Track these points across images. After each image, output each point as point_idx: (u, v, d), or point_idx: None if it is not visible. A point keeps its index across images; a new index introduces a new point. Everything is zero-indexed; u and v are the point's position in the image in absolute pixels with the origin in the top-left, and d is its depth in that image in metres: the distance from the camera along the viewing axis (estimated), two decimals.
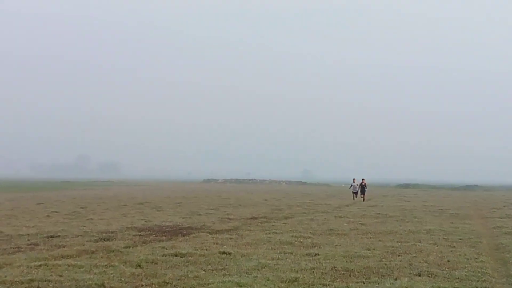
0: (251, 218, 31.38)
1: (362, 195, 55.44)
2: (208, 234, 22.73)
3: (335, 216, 33.42)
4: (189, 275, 13.37)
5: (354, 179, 58.99)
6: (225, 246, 18.46)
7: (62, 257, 16.01)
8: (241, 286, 12.06)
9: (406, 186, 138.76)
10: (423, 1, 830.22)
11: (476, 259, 16.56)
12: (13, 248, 18.24)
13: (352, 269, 14.53)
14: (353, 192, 57.49)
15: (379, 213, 36.10)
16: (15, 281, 12.40)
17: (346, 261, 15.79)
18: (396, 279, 13.16)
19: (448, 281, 13.15)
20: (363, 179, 57.24)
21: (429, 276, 13.70)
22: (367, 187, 56.95)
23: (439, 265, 15.32)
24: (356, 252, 17.53)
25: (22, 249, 17.90)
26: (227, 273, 13.65)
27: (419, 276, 13.74)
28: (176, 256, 16.27)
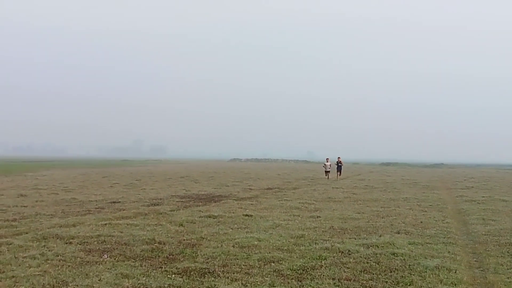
0: (267, 189, 31.46)
1: (338, 172, 46.43)
2: (234, 201, 22.81)
3: (332, 187, 33.45)
4: (220, 232, 13.42)
5: (327, 158, 47.17)
6: (247, 210, 18.51)
7: (122, 218, 16.12)
8: (260, 240, 12.08)
9: (388, 164, 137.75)
10: None
11: (443, 220, 16.53)
12: (85, 211, 18.39)
13: (346, 228, 14.53)
14: (325, 171, 46.11)
15: (366, 185, 36.08)
16: (87, 236, 12.50)
17: (341, 222, 15.79)
18: (380, 236, 13.14)
19: (421, 237, 13.11)
20: (339, 158, 47.72)
21: (406, 234, 13.67)
22: (342, 165, 48.02)
23: (414, 225, 15.28)
24: (349, 215, 17.54)
25: (92, 212, 18.04)
26: (249, 231, 13.68)
27: (398, 233, 13.71)
28: (209, 217, 16.33)
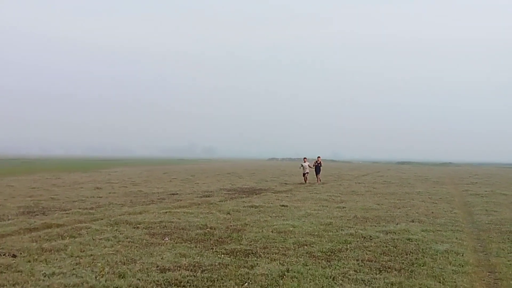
0: (300, 183, 31.32)
1: (317, 176, 32.49)
2: (272, 193, 22.79)
3: (355, 183, 33.13)
4: (261, 220, 13.42)
5: (305, 158, 32.76)
6: (283, 201, 18.46)
7: (179, 207, 16.27)
8: (294, 227, 12.04)
9: (403, 163, 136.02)
10: None
11: (451, 211, 16.19)
12: (149, 201, 18.62)
13: (368, 217, 14.37)
14: (303, 174, 32.12)
15: (385, 181, 35.63)
16: (151, 221, 12.65)
17: (364, 212, 15.62)
18: (397, 224, 12.95)
19: (432, 225, 12.87)
20: (318, 157, 33.32)
21: (419, 222, 13.43)
22: (322, 165, 33.44)
23: (426, 215, 15.02)
24: (370, 206, 17.34)
25: (154, 202, 18.25)
26: (285, 219, 13.65)
27: (413, 222, 13.48)
28: (252, 207, 16.35)
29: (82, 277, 7.02)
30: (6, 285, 6.53)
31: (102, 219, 13.17)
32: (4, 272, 7.24)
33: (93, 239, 10.08)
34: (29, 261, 8.03)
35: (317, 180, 32.14)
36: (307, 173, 31.77)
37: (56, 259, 8.23)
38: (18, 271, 7.32)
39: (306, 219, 13.69)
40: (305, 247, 9.70)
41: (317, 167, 32.48)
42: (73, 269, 7.53)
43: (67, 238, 10.28)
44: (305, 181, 31.49)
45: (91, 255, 8.59)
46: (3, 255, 8.49)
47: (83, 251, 8.94)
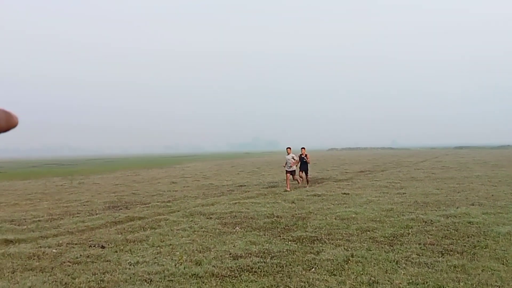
0: (360, 172, 30.82)
1: (301, 173, 20.72)
2: (333, 182, 22.56)
3: (414, 169, 32.20)
4: (324, 207, 13.30)
5: (288, 148, 20.28)
6: (345, 189, 18.22)
7: (247, 198, 16.40)
8: (357, 213, 11.85)
9: (461, 147, 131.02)
10: None
11: (511, 193, 15.45)
12: (219, 193, 18.88)
13: (428, 202, 13.92)
14: (286, 172, 19.82)
15: (443, 166, 34.45)
16: (222, 212, 12.82)
17: (424, 197, 15.15)
18: (457, 208, 12.47)
19: (493, 208, 12.30)
20: (302, 149, 20.73)
21: (479, 205, 12.88)
22: (310, 162, 20.94)
23: (486, 198, 14.38)
24: (430, 191, 16.80)
25: (225, 194, 18.49)
26: (347, 206, 13.46)
27: (473, 205, 12.95)
28: (315, 196, 16.24)
29: (163, 265, 7.20)
30: (97, 274, 6.80)
31: (178, 211, 13.48)
32: (95, 262, 7.55)
33: (171, 230, 10.33)
34: (116, 252, 8.33)
35: (301, 181, 20.89)
36: (293, 171, 19.55)
37: (139, 249, 8.50)
38: (107, 261, 7.61)
39: (367, 205, 13.45)
40: (368, 232, 9.52)
41: (303, 162, 20.50)
42: (155, 258, 7.74)
43: (148, 229, 10.60)
44: (288, 184, 19.47)
45: (170, 244, 8.80)
46: (93, 246, 8.86)
47: (163, 241, 9.18)
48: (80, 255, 8.00)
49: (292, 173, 19.61)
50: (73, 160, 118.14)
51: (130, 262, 7.47)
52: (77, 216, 13.23)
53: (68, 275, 6.75)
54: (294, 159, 19.65)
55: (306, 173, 20.52)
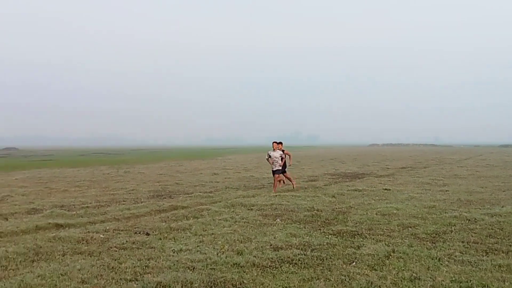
0: (402, 168, 30.27)
1: (279, 176, 16.67)
2: (374, 177, 22.23)
3: (457, 166, 31.38)
4: (365, 202, 13.13)
5: (274, 142, 17.16)
6: (386, 185, 17.91)
7: (288, 191, 16.37)
8: (398, 209, 11.64)
9: (506, 146, 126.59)
10: None
11: None
12: (260, 185, 18.94)
13: (472, 200, 13.53)
14: (273, 172, 16.94)
15: (488, 164, 33.43)
16: (263, 204, 12.83)
17: (467, 195, 14.73)
18: (502, 207, 12.05)
19: None
20: (279, 144, 17.03)
21: None
22: (290, 157, 17.55)
23: None
24: (473, 189, 16.32)
25: (265, 186, 18.53)
26: (388, 202, 13.23)
27: None
28: (355, 191, 16.05)
29: (205, 253, 7.28)
30: (142, 259, 6.94)
31: (220, 202, 13.59)
32: (140, 248, 7.71)
33: (213, 220, 10.43)
34: (160, 239, 8.48)
35: (282, 183, 17.45)
36: (278, 170, 16.62)
37: (183, 237, 8.62)
38: (152, 248, 7.76)
39: (409, 202, 13.19)
40: (410, 229, 9.34)
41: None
42: (197, 246, 7.84)
43: (191, 218, 10.74)
44: (275, 186, 16.76)
45: (212, 234, 8.89)
46: (139, 233, 9.05)
47: (205, 230, 9.28)
48: (126, 241, 8.19)
49: (278, 172, 16.61)
50: (119, 150, 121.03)
51: (173, 249, 7.59)
52: (123, 204, 13.55)
53: (115, 260, 6.92)
54: (282, 160, 16.67)
55: (283, 171, 16.97)
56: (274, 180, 16.91)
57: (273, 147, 17.02)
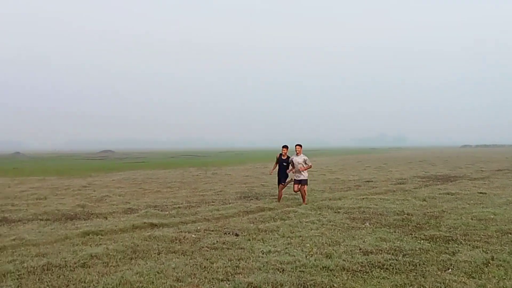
0: (497, 170, 28.45)
1: (297, 185, 13.73)
2: (468, 180, 21.07)
3: None
4: (458, 207, 12.46)
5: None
6: (481, 188, 16.89)
7: (375, 194, 15.97)
8: (496, 214, 10.91)
9: None
10: None
11: None
12: (346, 188, 18.61)
13: None
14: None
15: None
16: (350, 207, 12.55)
17: None
18: None
19: None
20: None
21: None
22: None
23: None
24: None
25: (351, 188, 18.18)
26: (484, 206, 12.47)
27: None
28: (448, 194, 15.29)
29: (294, 255, 7.26)
30: (232, 260, 7.05)
31: (306, 204, 13.51)
32: (230, 249, 7.84)
33: (300, 222, 10.39)
34: (249, 240, 8.58)
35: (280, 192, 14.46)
36: (290, 181, 14.26)
37: (271, 239, 8.66)
38: (241, 248, 7.86)
39: (507, 206, 12.33)
40: (509, 235, 8.71)
41: (283, 169, 14.10)
42: (286, 248, 7.83)
43: (278, 220, 10.77)
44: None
45: (300, 236, 8.85)
46: (228, 233, 9.21)
47: (293, 232, 9.26)
48: (217, 241, 8.37)
49: (299, 182, 13.80)
50: (207, 152, 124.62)
51: (262, 250, 7.64)
52: (212, 205, 13.88)
53: (207, 260, 7.08)
54: (301, 166, 13.71)
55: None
56: (302, 194, 13.92)
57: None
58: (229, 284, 5.89)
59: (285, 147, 14.07)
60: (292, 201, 14.27)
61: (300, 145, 13.96)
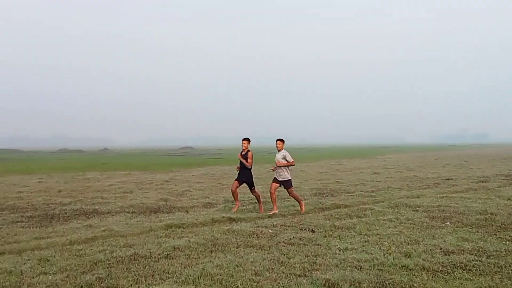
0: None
1: (252, 190, 11.92)
2: None
3: None
4: None
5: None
6: None
7: (455, 192, 15.28)
8: None
9: None
10: None
11: None
12: (424, 185, 17.96)
13: None
14: (274, 180, 11.68)
15: None
16: (429, 205, 12.10)
17: None
18: None
19: None
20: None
21: None
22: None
23: None
24: None
25: (430, 186, 17.52)
26: None
27: None
28: None
29: (371, 253, 7.12)
30: (309, 256, 7.04)
31: (383, 202, 13.21)
32: (307, 245, 7.82)
33: (377, 220, 10.17)
34: (325, 237, 8.52)
35: (259, 203, 12.29)
36: (281, 181, 11.69)
37: (347, 236, 8.55)
38: (318, 245, 7.82)
39: None
40: None
41: (243, 169, 12.00)
42: (363, 246, 7.70)
43: (354, 217, 10.61)
44: (275, 203, 11.75)
45: (377, 234, 8.66)
46: (304, 229, 9.20)
47: (370, 230, 9.08)
48: (293, 237, 8.38)
49: (278, 182, 11.69)
50: None
51: (339, 247, 7.56)
52: (288, 200, 13.90)
53: (284, 255, 7.12)
54: (286, 160, 11.58)
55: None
56: (298, 201, 11.98)
57: (277, 146, 11.71)
58: (306, 280, 5.89)
59: (245, 140, 11.74)
60: (368, 199, 14.00)
61: (281, 140, 11.74)
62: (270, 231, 9.06)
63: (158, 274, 6.20)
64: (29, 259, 7.15)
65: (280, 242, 8.01)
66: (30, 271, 6.50)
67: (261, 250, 7.50)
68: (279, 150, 11.67)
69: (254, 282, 5.79)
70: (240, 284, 5.72)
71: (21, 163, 48.62)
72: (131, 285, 5.78)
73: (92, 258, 7.10)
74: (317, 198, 14.39)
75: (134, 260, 6.96)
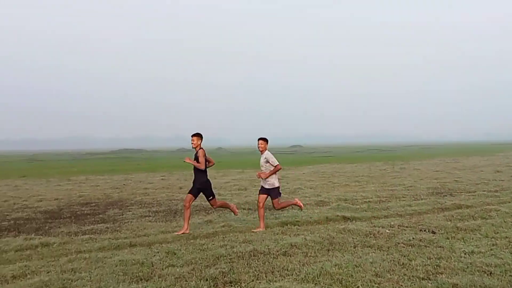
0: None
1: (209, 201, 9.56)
2: None
3: None
4: None
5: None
6: None
7: None
8: None
9: None
10: None
11: None
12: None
13: None
14: (262, 192, 9.55)
15: None
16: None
17: None
18: None
19: None
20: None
21: None
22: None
23: None
24: None
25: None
26: None
27: None
28: None
29: (501, 258, 6.55)
30: (432, 258, 6.65)
31: (509, 202, 12.19)
32: (428, 247, 7.41)
33: (505, 222, 9.37)
34: (447, 238, 8.01)
35: (228, 207, 10.14)
36: (267, 190, 9.61)
37: (472, 238, 7.96)
38: (440, 247, 7.38)
39: None
40: None
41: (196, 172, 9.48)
42: (491, 249, 7.11)
43: (478, 219, 9.88)
44: (262, 220, 9.49)
45: (506, 237, 7.96)
46: (424, 230, 8.74)
47: (497, 232, 8.39)
48: (413, 238, 7.99)
49: (266, 192, 9.63)
50: (392, 147, 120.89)
51: (464, 250, 7.06)
52: (403, 200, 13.36)
53: (404, 256, 6.81)
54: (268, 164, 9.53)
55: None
56: (258, 207, 9.64)
57: (259, 148, 9.63)
58: (431, 283, 5.56)
59: (195, 135, 9.38)
60: (492, 199, 12.99)
61: (264, 139, 9.50)
62: (387, 231, 8.73)
63: (278, 271, 6.24)
64: (158, 252, 7.60)
65: (399, 243, 7.68)
66: (160, 263, 6.90)
67: (380, 250, 7.25)
68: (261, 152, 9.51)
69: (375, 284, 5.60)
70: (361, 285, 5.56)
71: (145, 161, 52.21)
72: (252, 281, 5.87)
73: (214, 252, 7.36)
74: (435, 198, 13.63)
75: (254, 256, 7.08)
